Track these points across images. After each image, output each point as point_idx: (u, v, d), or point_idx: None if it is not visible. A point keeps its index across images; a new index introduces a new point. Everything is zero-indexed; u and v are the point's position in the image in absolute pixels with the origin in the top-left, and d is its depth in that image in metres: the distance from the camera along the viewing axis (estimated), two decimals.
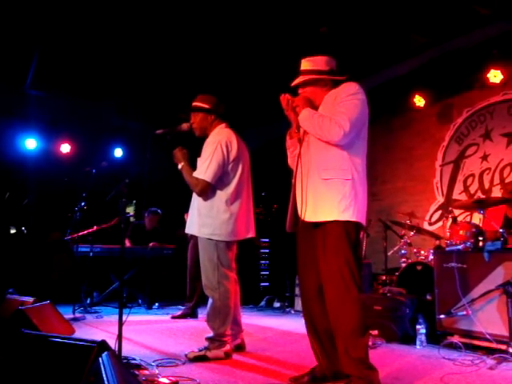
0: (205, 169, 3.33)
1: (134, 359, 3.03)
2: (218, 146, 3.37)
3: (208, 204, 3.37)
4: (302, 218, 2.59)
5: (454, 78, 6.04)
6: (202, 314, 5.22)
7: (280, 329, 4.81)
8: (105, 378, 1.56)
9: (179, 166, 3.43)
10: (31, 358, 2.01)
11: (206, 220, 3.37)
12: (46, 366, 1.97)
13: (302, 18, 4.94)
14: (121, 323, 2.84)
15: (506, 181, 5.58)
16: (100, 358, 1.68)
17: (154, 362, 3.10)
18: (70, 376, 1.87)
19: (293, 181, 2.78)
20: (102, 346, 1.93)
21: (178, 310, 5.69)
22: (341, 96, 2.59)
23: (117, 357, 1.92)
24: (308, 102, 2.69)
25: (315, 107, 2.70)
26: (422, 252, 5.14)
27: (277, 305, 6.66)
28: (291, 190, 2.77)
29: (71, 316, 5.10)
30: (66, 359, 1.93)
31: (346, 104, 2.55)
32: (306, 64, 2.77)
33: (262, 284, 7.37)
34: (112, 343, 2.73)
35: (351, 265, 2.49)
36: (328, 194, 2.53)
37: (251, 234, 3.56)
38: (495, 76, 5.40)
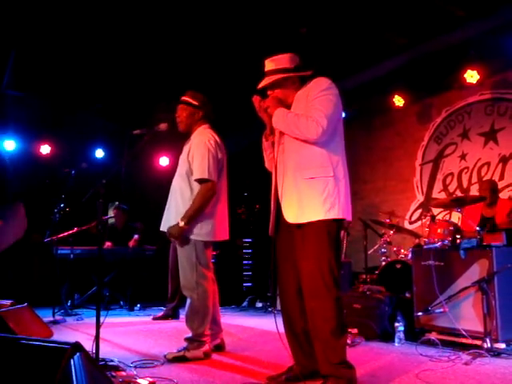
0: (205, 170, 3.30)
1: (112, 361, 3.01)
2: (208, 143, 3.38)
3: (188, 203, 3.36)
4: (288, 220, 2.56)
5: (433, 79, 6.12)
6: (183, 314, 5.21)
7: (261, 328, 4.81)
8: (74, 380, 1.56)
9: (182, 225, 3.28)
10: (3, 361, 1.99)
11: None
12: (19, 370, 1.95)
13: (281, 18, 4.96)
14: (98, 324, 2.81)
15: (484, 179, 5.68)
16: (71, 360, 1.67)
17: (132, 363, 3.09)
18: (43, 379, 1.86)
19: (272, 184, 2.74)
20: (76, 347, 1.91)
21: (160, 311, 5.67)
22: (313, 92, 2.56)
23: (90, 358, 1.91)
24: (279, 102, 2.66)
25: (287, 106, 2.68)
26: (402, 250, 5.19)
27: (259, 305, 6.67)
28: (271, 194, 2.74)
29: (51, 319, 5.05)
30: (39, 362, 1.92)
31: (320, 100, 2.52)
32: (270, 64, 2.71)
33: (245, 284, 7.38)
34: (91, 345, 2.72)
35: (332, 264, 2.49)
36: (312, 194, 2.50)
37: (226, 237, 3.56)
38: (472, 76, 5.48)
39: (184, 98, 3.54)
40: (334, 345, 2.47)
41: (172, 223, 3.38)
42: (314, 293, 2.51)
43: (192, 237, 3.35)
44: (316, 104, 2.52)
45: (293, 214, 2.55)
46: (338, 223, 2.54)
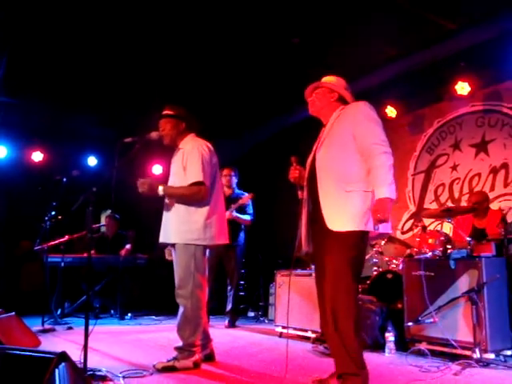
0: (199, 173, 3.32)
1: (100, 371, 2.98)
2: (200, 149, 3.40)
3: (191, 209, 3.35)
4: (331, 227, 2.65)
5: (425, 90, 6.16)
6: (173, 323, 5.18)
7: (252, 338, 4.79)
8: None
9: (160, 193, 3.37)
10: None
11: (189, 225, 3.34)
12: (5, 379, 1.93)
13: (273, 29, 4.99)
14: (87, 333, 2.80)
15: (475, 190, 5.72)
16: (56, 370, 1.66)
17: (120, 373, 3.05)
18: None
19: (304, 194, 2.89)
20: (62, 357, 1.90)
21: (152, 321, 5.63)
22: (360, 122, 2.78)
23: (76, 368, 1.90)
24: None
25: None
26: (394, 261, 5.19)
27: (251, 314, 6.65)
28: (302, 206, 2.87)
29: (40, 328, 5.00)
30: (25, 372, 1.90)
31: (371, 128, 2.76)
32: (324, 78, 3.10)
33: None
34: (79, 354, 2.70)
35: (359, 278, 2.68)
36: (353, 205, 2.65)
37: (227, 240, 3.58)
38: (463, 88, 5.51)
39: (164, 112, 3.57)
40: (352, 340, 2.56)
41: (173, 234, 3.37)
42: (336, 294, 2.62)
43: (197, 242, 3.33)
44: (371, 137, 2.72)
45: (339, 222, 2.65)
46: (367, 233, 2.72)
